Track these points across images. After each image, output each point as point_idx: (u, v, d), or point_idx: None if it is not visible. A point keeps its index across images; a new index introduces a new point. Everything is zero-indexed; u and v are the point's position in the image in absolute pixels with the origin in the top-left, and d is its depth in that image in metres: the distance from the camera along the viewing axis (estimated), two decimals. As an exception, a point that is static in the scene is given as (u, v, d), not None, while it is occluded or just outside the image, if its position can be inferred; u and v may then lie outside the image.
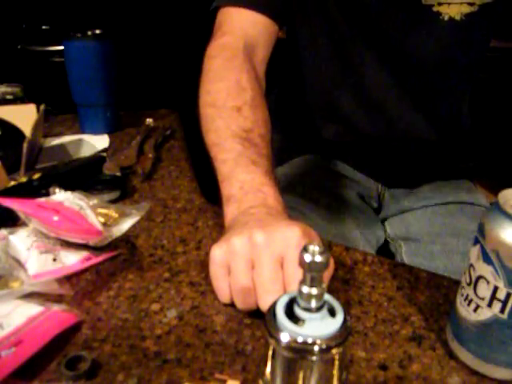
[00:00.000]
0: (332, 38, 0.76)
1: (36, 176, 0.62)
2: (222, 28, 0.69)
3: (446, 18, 0.69)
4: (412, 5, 0.69)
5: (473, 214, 0.80)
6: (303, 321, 0.29)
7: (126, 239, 0.56)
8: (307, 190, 0.82)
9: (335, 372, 0.30)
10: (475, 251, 0.38)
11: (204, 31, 0.72)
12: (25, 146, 0.67)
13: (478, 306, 0.37)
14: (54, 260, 0.48)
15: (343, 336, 0.29)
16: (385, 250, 0.84)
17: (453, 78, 0.78)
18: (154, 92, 1.47)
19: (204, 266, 0.50)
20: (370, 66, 0.76)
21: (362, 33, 0.73)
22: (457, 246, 0.75)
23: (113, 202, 0.64)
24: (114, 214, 0.60)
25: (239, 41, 0.67)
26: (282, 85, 0.92)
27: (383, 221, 0.87)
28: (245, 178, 0.51)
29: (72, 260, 0.50)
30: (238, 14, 0.69)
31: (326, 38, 0.76)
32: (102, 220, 0.57)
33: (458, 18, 0.69)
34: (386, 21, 0.71)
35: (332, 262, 0.45)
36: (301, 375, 0.29)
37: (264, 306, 0.41)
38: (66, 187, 0.59)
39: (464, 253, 0.73)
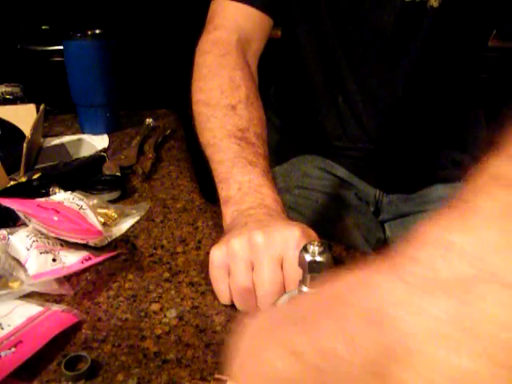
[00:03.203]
0: (327, 39, 0.76)
1: (36, 176, 0.62)
2: (214, 21, 0.69)
3: (428, 6, 0.69)
4: (396, 3, 0.69)
5: None
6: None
7: (126, 239, 0.56)
8: (306, 190, 0.81)
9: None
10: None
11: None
12: (25, 146, 0.67)
13: (477, 306, 0.37)
14: (54, 260, 0.48)
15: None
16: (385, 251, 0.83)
17: (443, 73, 0.77)
18: (154, 92, 1.47)
19: (204, 266, 0.50)
20: (365, 68, 0.76)
21: (354, 34, 0.73)
22: None
23: (113, 202, 0.64)
24: (114, 214, 0.60)
25: (232, 35, 0.66)
26: (281, 83, 0.92)
27: (382, 223, 0.87)
28: (242, 179, 0.51)
29: (72, 260, 0.50)
30: (231, 6, 0.68)
31: (326, 38, 0.76)
32: (102, 220, 0.57)
33: (435, 5, 0.69)
34: (374, 21, 0.71)
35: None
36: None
37: (264, 307, 0.41)
38: (66, 187, 0.59)
39: None
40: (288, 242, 0.41)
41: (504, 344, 0.14)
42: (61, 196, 0.56)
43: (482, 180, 0.17)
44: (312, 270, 0.28)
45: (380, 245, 0.83)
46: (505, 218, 0.15)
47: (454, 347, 0.14)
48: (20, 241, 0.49)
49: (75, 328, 0.42)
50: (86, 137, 0.87)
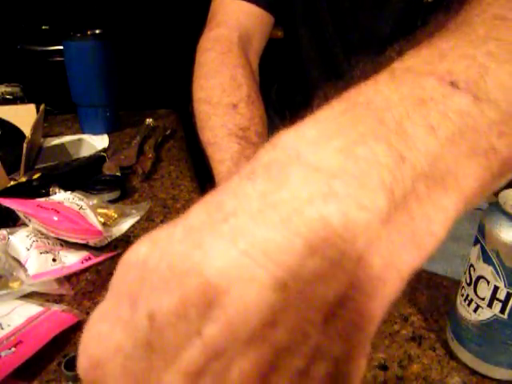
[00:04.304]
0: (326, 38, 0.76)
1: (36, 176, 0.62)
2: (216, 18, 0.69)
3: (425, 2, 0.69)
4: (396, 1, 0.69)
5: (473, 218, 0.80)
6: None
7: (126, 239, 0.56)
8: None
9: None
10: (475, 251, 0.38)
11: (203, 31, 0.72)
12: (25, 145, 0.67)
13: (478, 306, 0.37)
14: (54, 260, 0.48)
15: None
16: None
17: None
18: (154, 92, 1.47)
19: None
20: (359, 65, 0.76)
21: (354, 34, 0.73)
22: (457, 249, 0.75)
23: (113, 202, 0.64)
24: (114, 214, 0.60)
25: (234, 33, 0.66)
26: (282, 82, 0.92)
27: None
28: None
29: (72, 260, 0.50)
30: (233, 4, 0.68)
31: (324, 38, 0.76)
32: (102, 220, 0.57)
33: None
34: (375, 20, 0.71)
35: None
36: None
37: None
38: (66, 187, 0.59)
39: (464, 257, 0.72)
40: None
41: (305, 217, 0.16)
42: (61, 196, 0.56)
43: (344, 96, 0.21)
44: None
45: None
46: (326, 120, 0.19)
47: (259, 221, 0.16)
48: (20, 241, 0.49)
49: (75, 328, 0.42)
50: (86, 137, 0.87)
